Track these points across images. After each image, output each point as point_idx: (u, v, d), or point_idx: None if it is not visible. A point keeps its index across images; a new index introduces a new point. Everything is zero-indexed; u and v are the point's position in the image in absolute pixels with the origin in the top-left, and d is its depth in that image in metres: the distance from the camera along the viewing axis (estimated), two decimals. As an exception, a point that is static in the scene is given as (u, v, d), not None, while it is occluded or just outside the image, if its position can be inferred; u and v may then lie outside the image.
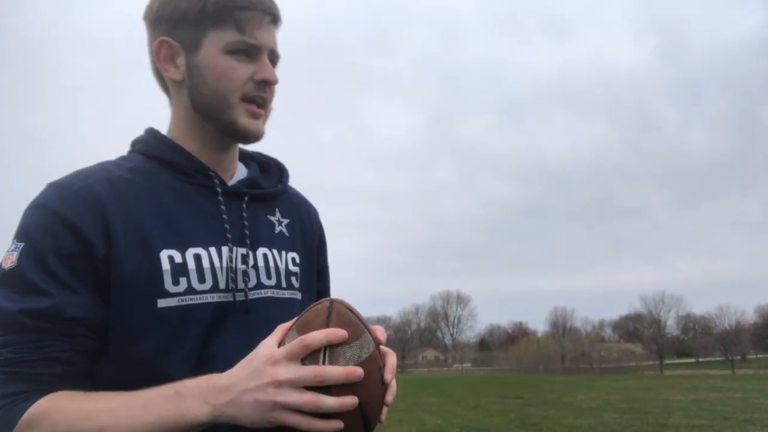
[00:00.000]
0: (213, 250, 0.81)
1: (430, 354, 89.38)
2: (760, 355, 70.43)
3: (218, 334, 0.77)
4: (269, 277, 0.87)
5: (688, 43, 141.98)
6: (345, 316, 0.72)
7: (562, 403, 14.98)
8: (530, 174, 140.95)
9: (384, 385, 0.73)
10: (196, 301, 0.78)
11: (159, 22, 0.85)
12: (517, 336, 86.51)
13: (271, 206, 0.94)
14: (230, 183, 0.90)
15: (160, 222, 0.79)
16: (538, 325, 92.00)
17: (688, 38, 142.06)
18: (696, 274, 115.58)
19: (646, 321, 75.11)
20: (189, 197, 0.83)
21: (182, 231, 0.80)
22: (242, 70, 0.83)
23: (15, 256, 0.73)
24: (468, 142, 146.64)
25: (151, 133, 0.90)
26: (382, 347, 0.77)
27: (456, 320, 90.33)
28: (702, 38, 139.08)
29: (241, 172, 0.94)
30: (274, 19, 0.86)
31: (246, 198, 0.89)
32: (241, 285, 0.82)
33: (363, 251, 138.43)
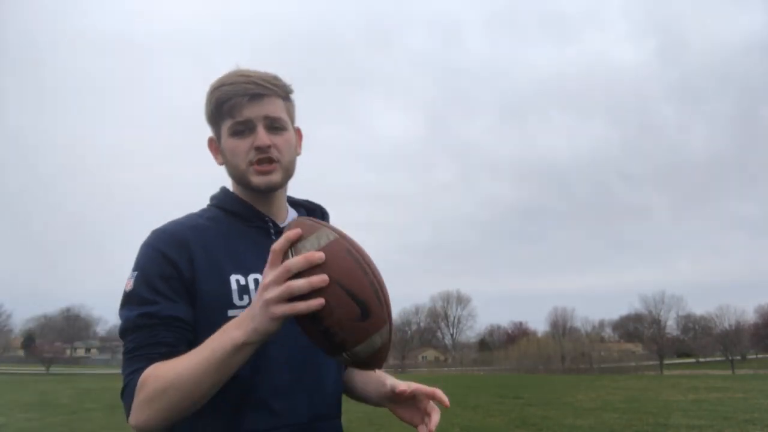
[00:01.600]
0: None
1: (430, 354, 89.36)
2: (760, 355, 70.42)
3: (270, 338, 0.94)
4: None
5: (688, 42, 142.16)
6: (299, 221, 0.92)
7: (562, 403, 14.98)
8: (530, 174, 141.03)
9: (360, 264, 0.88)
10: None
11: (208, 124, 1.19)
12: (517, 336, 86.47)
13: None
14: (281, 225, 1.18)
15: (230, 255, 1.10)
16: (538, 325, 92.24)
17: (688, 38, 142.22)
18: (696, 274, 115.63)
19: (646, 321, 75.11)
20: (250, 237, 1.15)
21: (245, 262, 1.10)
22: (243, 144, 1.12)
23: (132, 281, 1.04)
24: (468, 142, 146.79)
25: (223, 191, 1.23)
26: (429, 407, 1.15)
27: (456, 320, 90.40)
28: (702, 38, 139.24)
29: (291, 216, 1.24)
30: (255, 95, 1.10)
31: None
32: None
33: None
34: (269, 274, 0.86)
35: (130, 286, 1.05)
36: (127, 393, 0.98)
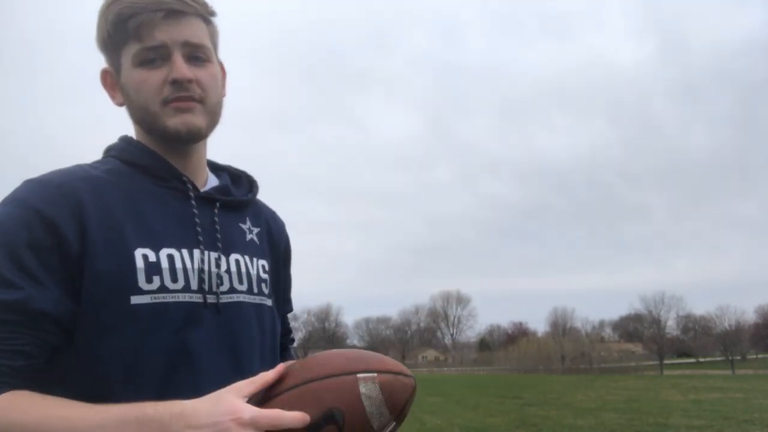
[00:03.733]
0: (185, 251, 0.83)
1: (430, 354, 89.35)
2: (760, 355, 70.38)
3: (189, 333, 0.78)
4: (241, 282, 0.90)
5: (688, 42, 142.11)
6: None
7: (562, 403, 14.98)
8: (530, 174, 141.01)
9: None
10: (168, 300, 0.79)
11: (100, 50, 0.89)
12: (517, 336, 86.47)
13: (242, 215, 0.97)
14: (202, 190, 0.93)
15: (135, 222, 0.80)
16: (538, 325, 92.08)
17: (688, 37, 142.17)
18: (696, 274, 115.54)
19: (646, 321, 75.07)
20: (163, 200, 0.86)
21: (156, 231, 0.82)
22: (154, 77, 0.83)
23: None
24: (468, 141, 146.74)
25: (126, 140, 0.92)
26: None
27: (456, 320, 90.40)
28: (702, 37, 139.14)
29: (212, 180, 0.97)
30: (172, 11, 0.83)
31: (218, 204, 0.91)
32: (214, 287, 0.84)
33: (363, 251, 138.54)
34: (249, 413, 0.67)
35: None
36: None
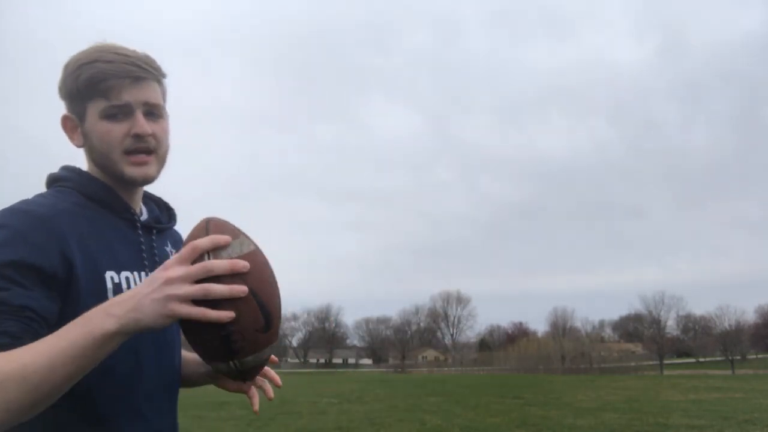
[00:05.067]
0: (136, 273, 1.03)
1: (430, 354, 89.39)
2: (760, 355, 70.45)
3: (142, 335, 0.88)
4: None
5: (689, 41, 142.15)
6: (221, 225, 0.88)
7: (562, 403, 14.98)
8: (530, 174, 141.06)
9: (274, 278, 0.90)
10: None
11: (63, 99, 1.05)
12: (517, 336, 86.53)
13: (165, 239, 1.18)
14: (142, 219, 1.12)
15: (102, 248, 0.98)
16: (538, 325, 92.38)
17: (688, 37, 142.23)
18: (696, 274, 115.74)
19: (646, 321, 75.17)
20: (119, 229, 1.05)
21: (118, 257, 1.01)
22: (118, 129, 1.00)
23: None
24: (468, 141, 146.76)
25: (78, 172, 1.08)
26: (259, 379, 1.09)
27: (456, 320, 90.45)
28: (703, 37, 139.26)
29: (145, 211, 1.16)
30: (138, 78, 1.00)
31: (155, 231, 1.13)
32: None
33: (363, 252, 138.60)
34: (178, 269, 0.80)
35: None
36: None
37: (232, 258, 0.83)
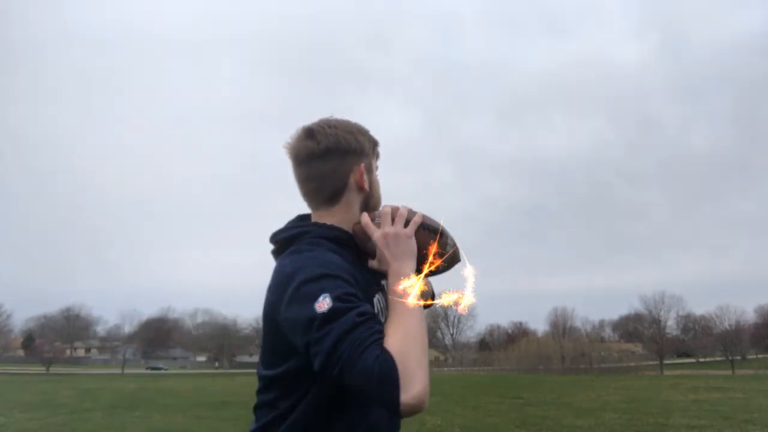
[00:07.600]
0: (379, 295, 1.30)
1: (431, 354, 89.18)
2: (760, 355, 70.49)
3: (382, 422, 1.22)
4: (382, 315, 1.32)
5: (688, 41, 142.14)
6: (405, 208, 1.31)
7: (562, 403, 14.99)
8: (530, 173, 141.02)
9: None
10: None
11: (354, 153, 1.33)
12: (517, 336, 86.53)
13: None
14: None
15: (365, 278, 1.25)
16: (538, 325, 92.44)
17: (688, 36, 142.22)
18: (696, 274, 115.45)
19: (646, 321, 75.08)
20: (357, 262, 1.28)
21: (366, 284, 1.24)
22: None
23: (328, 300, 1.06)
24: (467, 140, 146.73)
25: (335, 228, 1.31)
26: None
27: (456, 320, 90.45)
28: (703, 36, 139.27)
29: None
30: None
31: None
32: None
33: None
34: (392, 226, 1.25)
35: (327, 305, 1.05)
36: (387, 363, 0.98)
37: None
